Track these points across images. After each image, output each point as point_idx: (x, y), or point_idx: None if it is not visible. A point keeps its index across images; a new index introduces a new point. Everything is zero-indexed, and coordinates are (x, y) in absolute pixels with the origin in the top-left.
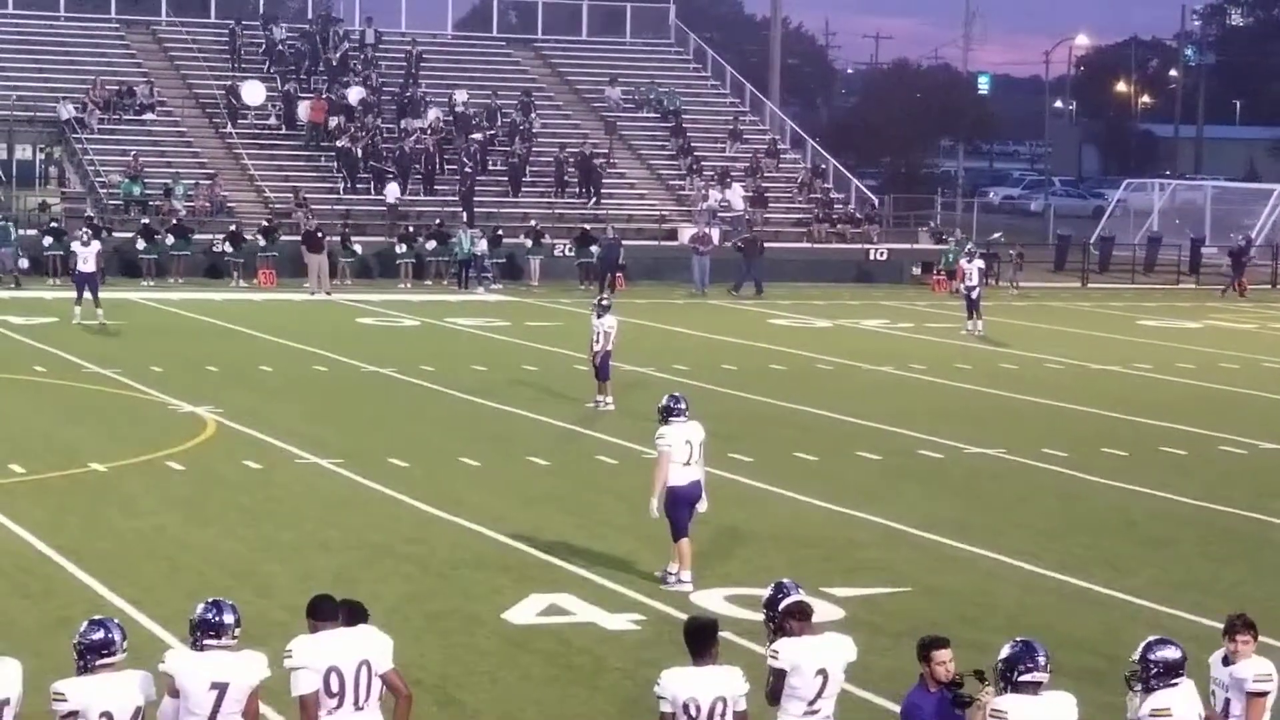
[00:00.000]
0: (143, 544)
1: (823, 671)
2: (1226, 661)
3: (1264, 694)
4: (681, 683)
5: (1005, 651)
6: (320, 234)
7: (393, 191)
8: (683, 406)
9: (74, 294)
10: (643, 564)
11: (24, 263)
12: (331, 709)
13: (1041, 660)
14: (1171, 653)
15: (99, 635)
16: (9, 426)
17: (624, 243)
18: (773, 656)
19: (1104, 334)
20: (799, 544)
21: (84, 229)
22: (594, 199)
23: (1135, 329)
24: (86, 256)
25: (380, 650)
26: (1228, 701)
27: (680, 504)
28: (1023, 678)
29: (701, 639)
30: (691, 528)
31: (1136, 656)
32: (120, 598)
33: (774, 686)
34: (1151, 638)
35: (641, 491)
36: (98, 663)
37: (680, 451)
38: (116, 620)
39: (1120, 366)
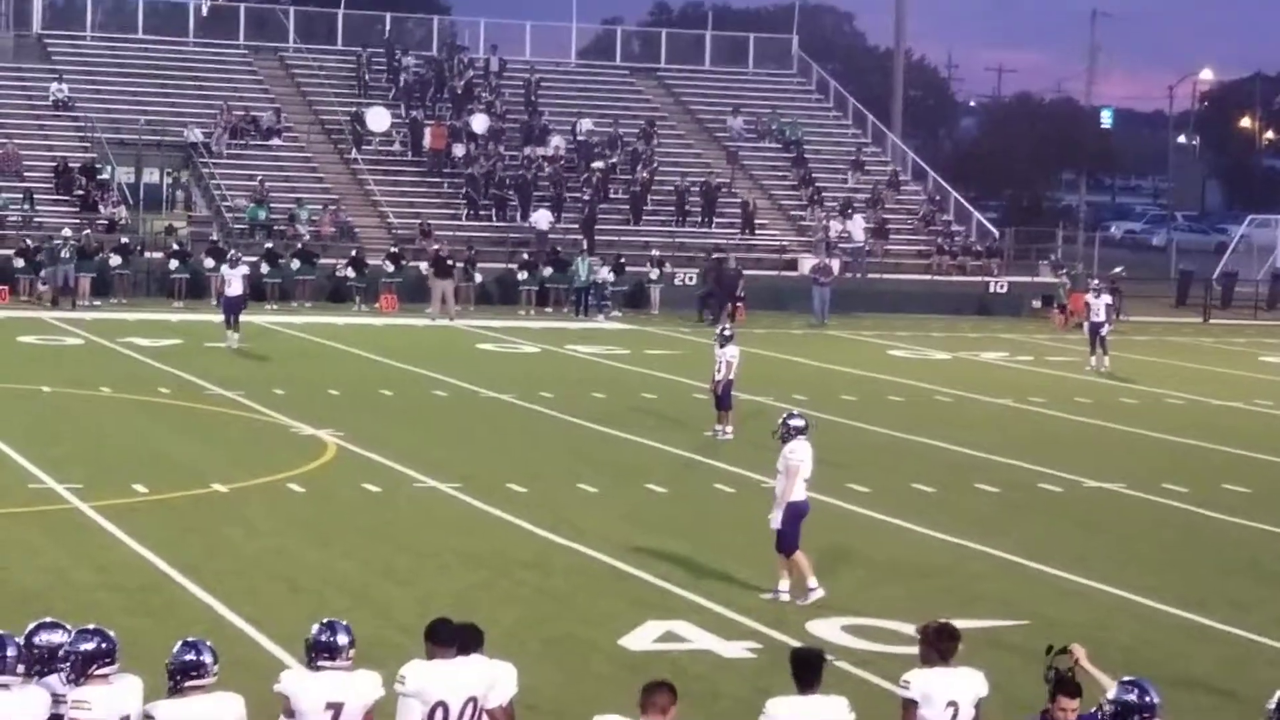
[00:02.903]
0: (263, 564)
1: (953, 704)
2: None
3: None
4: (786, 711)
5: (1115, 692)
6: (450, 260)
7: (544, 218)
8: (807, 425)
9: (220, 318)
10: (759, 592)
11: (43, 286)
12: None
13: (1153, 701)
14: None
15: (189, 657)
16: (133, 447)
17: (745, 272)
18: (904, 686)
19: (1226, 370)
20: (917, 575)
21: (232, 251)
22: (745, 230)
23: (1257, 365)
24: (232, 279)
25: (488, 686)
26: None
27: (798, 519)
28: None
29: (808, 670)
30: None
31: (1273, 706)
32: (240, 617)
33: None
34: None
35: (761, 520)
36: (187, 684)
37: (807, 468)
38: (209, 642)
39: (1242, 403)
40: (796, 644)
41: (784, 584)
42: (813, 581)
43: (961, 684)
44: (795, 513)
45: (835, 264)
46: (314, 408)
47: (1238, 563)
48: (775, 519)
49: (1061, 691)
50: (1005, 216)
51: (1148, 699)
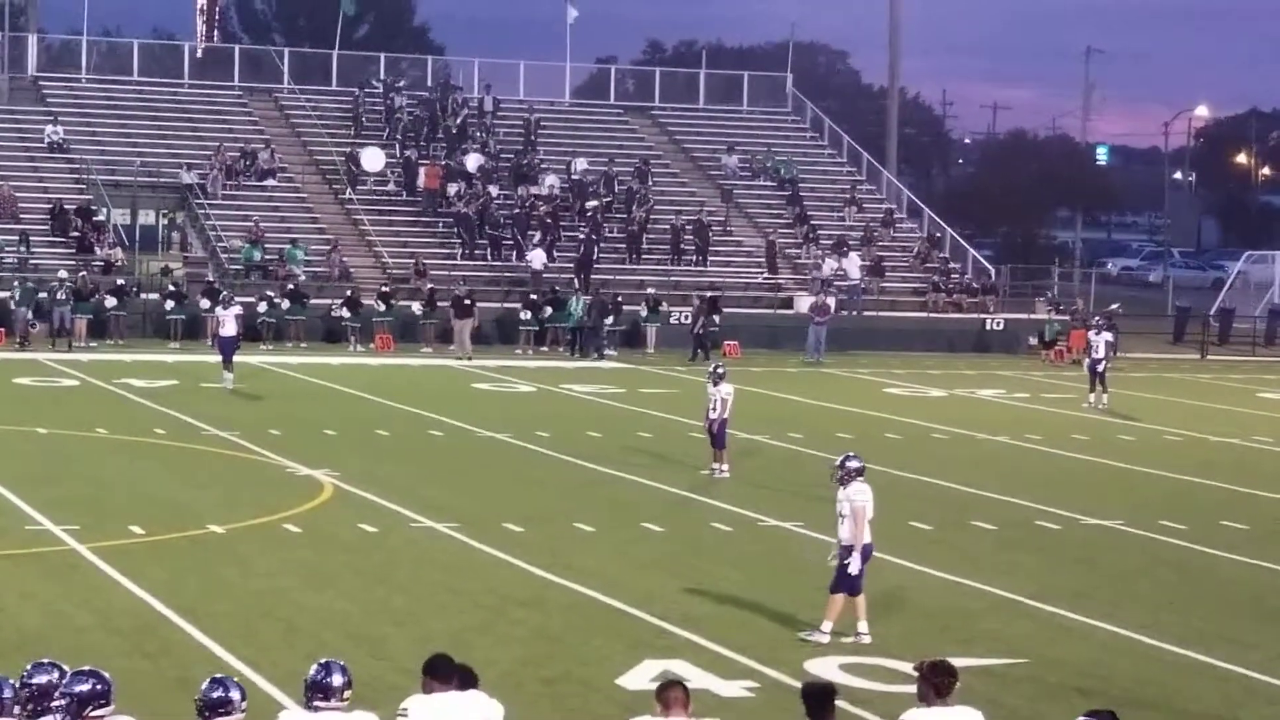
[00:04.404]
0: (259, 605)
1: None
2: None
3: None
4: None
5: None
6: (468, 301)
7: (539, 258)
8: (864, 466)
9: (218, 359)
10: (757, 631)
11: (35, 326)
12: None
13: None
14: None
15: (217, 694)
16: (130, 488)
17: (738, 310)
18: None
19: (1223, 406)
20: (915, 613)
21: (224, 292)
22: (767, 272)
23: (1255, 401)
24: (225, 320)
25: (489, 717)
26: None
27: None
28: None
29: (820, 702)
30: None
31: None
32: (237, 658)
33: None
34: None
35: (756, 559)
36: None
37: (871, 509)
38: (236, 679)
39: (1240, 439)
40: (793, 683)
41: (863, 625)
42: (827, 626)
43: None
44: (864, 555)
45: (832, 302)
46: (310, 448)
47: (1237, 600)
48: (855, 564)
49: None
50: (1001, 253)
51: None
